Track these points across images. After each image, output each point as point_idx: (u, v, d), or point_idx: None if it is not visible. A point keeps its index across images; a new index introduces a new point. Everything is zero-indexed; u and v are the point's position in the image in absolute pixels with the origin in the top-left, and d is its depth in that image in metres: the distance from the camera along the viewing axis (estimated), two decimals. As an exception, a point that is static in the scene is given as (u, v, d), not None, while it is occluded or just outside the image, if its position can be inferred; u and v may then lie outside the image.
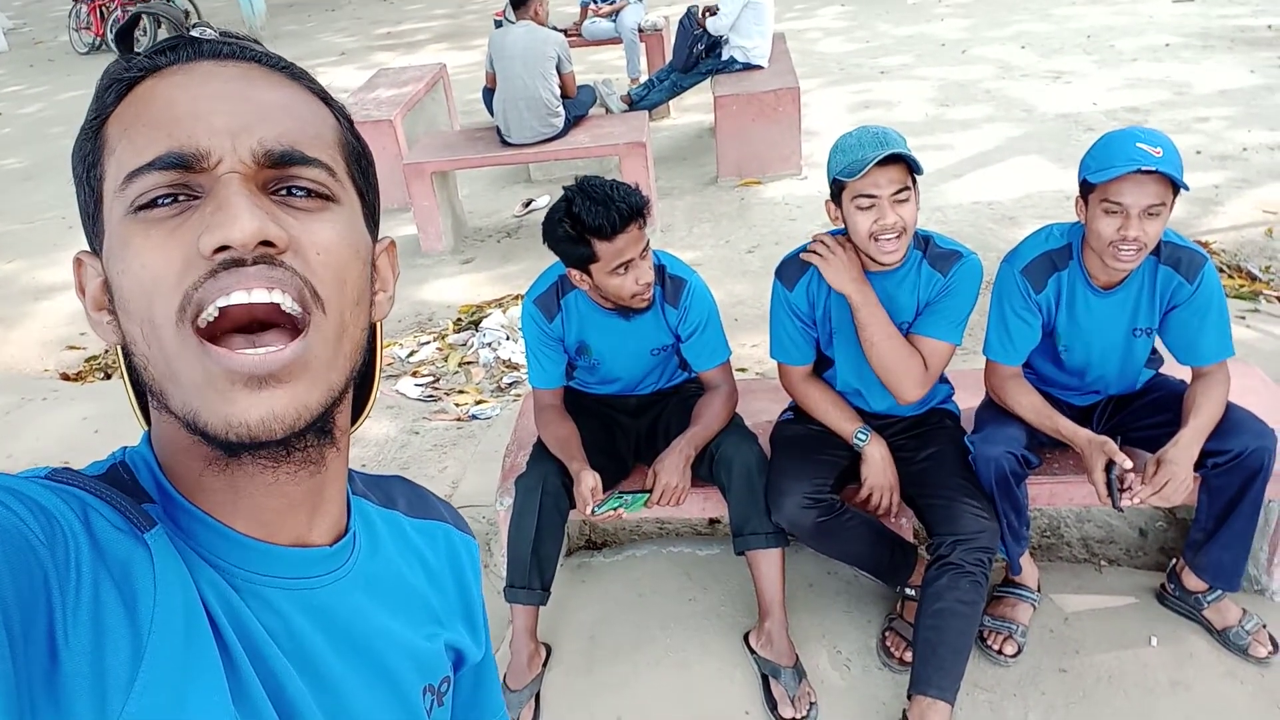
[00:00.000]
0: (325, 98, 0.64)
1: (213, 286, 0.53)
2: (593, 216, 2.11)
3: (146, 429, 0.65)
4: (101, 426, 3.59)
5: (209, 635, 0.55)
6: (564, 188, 2.22)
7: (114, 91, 0.58)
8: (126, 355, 0.59)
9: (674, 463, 2.29)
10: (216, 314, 0.53)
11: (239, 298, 0.53)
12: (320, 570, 0.66)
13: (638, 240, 2.17)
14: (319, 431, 0.60)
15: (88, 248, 0.62)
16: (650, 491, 2.28)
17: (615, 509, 2.23)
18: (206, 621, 0.56)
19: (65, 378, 4.24)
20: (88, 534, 0.52)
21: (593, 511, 2.22)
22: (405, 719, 0.70)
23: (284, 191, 0.58)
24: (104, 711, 0.49)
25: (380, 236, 0.69)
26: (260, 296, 0.54)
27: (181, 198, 0.55)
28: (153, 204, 0.55)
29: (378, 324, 0.68)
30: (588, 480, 2.23)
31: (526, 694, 2.33)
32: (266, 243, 0.54)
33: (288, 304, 0.55)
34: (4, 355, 4.50)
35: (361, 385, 0.67)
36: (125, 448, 0.64)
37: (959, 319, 2.20)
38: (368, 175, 0.67)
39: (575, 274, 2.24)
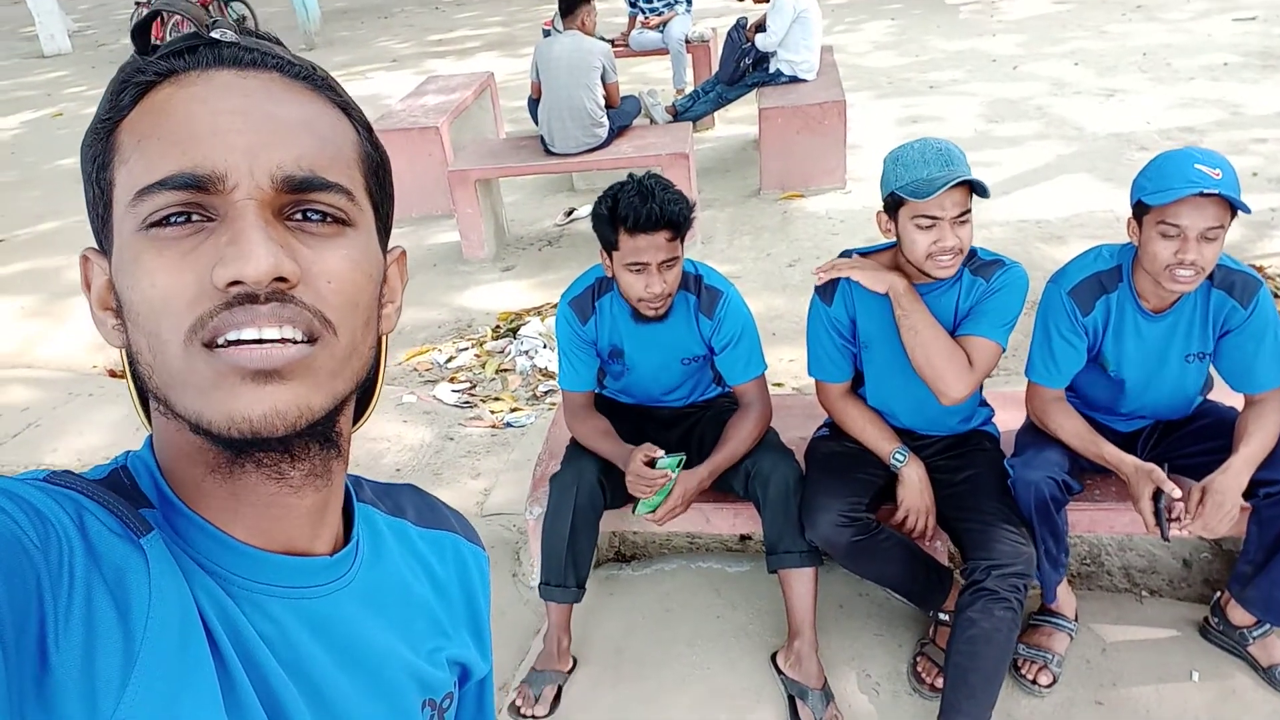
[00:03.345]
0: (346, 106, 0.63)
1: (225, 320, 0.53)
2: (626, 206, 2.15)
3: (149, 432, 0.64)
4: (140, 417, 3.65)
5: (203, 642, 0.55)
6: (630, 173, 2.26)
7: (129, 94, 0.57)
8: (131, 359, 0.59)
9: (687, 486, 2.30)
10: (225, 343, 0.53)
11: (250, 334, 0.53)
12: (320, 580, 0.65)
13: (660, 249, 2.17)
14: (323, 440, 0.60)
15: (95, 244, 0.62)
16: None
17: (665, 472, 2.25)
18: (201, 628, 0.55)
19: (112, 374, 4.32)
20: (82, 538, 0.52)
21: (656, 462, 2.24)
22: None
23: (299, 216, 0.57)
24: (94, 717, 0.48)
25: (390, 246, 0.68)
26: (270, 334, 0.54)
27: (195, 217, 0.54)
28: (165, 221, 0.54)
29: (384, 336, 0.67)
30: (640, 452, 2.25)
31: (552, 677, 2.33)
32: (280, 278, 0.53)
33: (298, 338, 0.55)
34: (54, 351, 4.60)
35: (363, 391, 0.67)
36: (128, 452, 0.64)
37: (1004, 320, 2.15)
38: (384, 185, 0.65)
39: (604, 256, 2.28)
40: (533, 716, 2.27)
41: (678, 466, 2.27)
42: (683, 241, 2.23)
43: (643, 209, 2.13)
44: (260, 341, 0.53)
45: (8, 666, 0.45)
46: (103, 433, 3.67)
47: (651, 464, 2.25)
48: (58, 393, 4.03)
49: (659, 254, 2.17)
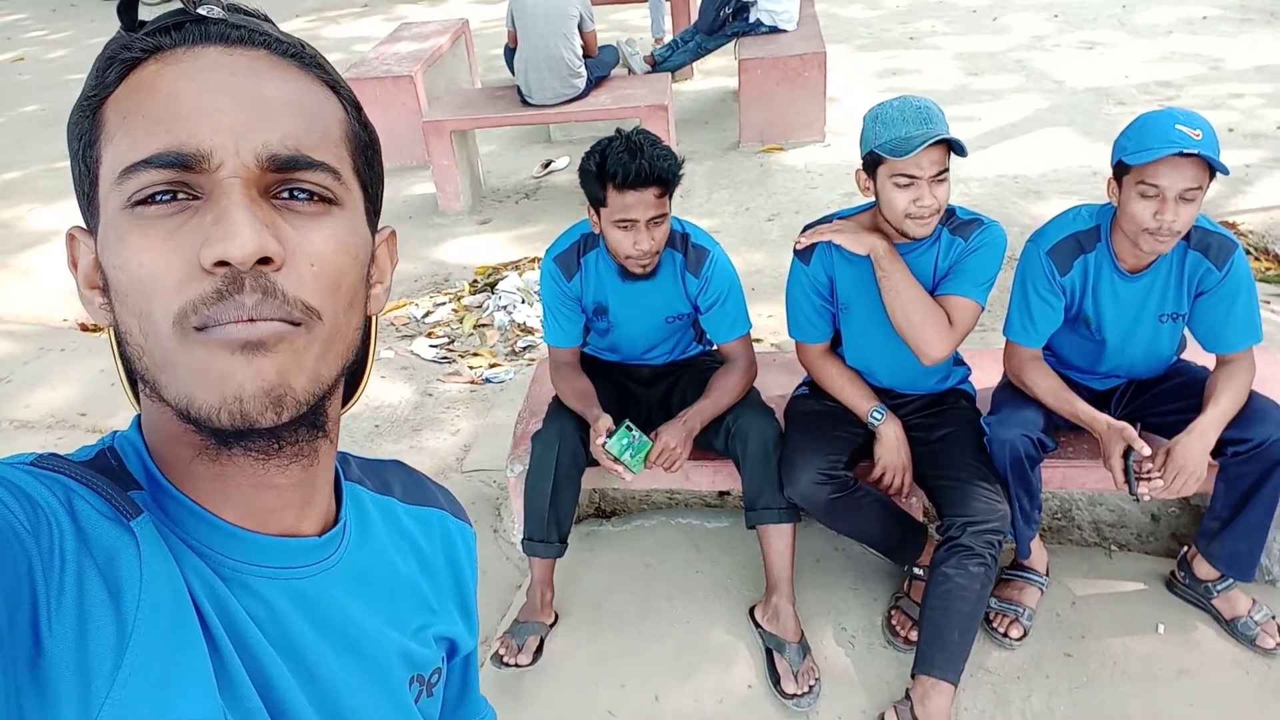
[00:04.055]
0: (334, 85, 0.62)
1: (209, 313, 0.53)
2: (615, 162, 2.13)
3: (138, 412, 0.64)
4: (118, 380, 3.61)
5: (195, 623, 0.55)
6: (618, 129, 2.23)
7: (115, 71, 0.56)
8: (119, 339, 0.58)
9: (676, 430, 2.30)
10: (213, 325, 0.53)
11: (233, 323, 0.53)
12: (308, 560, 0.65)
13: (649, 205, 2.16)
14: (310, 425, 0.60)
15: (82, 221, 0.61)
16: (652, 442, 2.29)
17: (623, 455, 2.23)
18: (193, 610, 0.56)
19: (84, 328, 4.25)
20: (72, 521, 0.52)
21: (603, 446, 2.22)
22: (392, 708, 0.70)
23: (285, 194, 0.56)
24: (88, 699, 0.49)
25: (380, 226, 0.67)
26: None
27: (180, 195, 0.54)
28: (150, 199, 0.54)
29: (373, 316, 0.67)
30: (605, 419, 2.25)
31: (535, 628, 2.36)
32: (265, 259, 0.53)
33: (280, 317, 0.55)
34: (25, 304, 4.53)
35: (353, 372, 0.67)
36: (115, 433, 0.64)
37: (982, 280, 2.16)
38: (373, 165, 0.65)
39: (591, 212, 2.26)
40: (516, 665, 2.30)
41: (628, 431, 2.27)
42: (670, 198, 2.22)
43: (632, 165, 2.11)
44: (251, 321, 0.53)
45: (2, 651, 0.45)
46: (76, 388, 3.63)
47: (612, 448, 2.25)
48: (28, 347, 3.98)
49: (648, 211, 2.16)
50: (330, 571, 0.67)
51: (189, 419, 0.55)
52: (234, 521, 0.61)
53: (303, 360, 0.56)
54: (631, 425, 2.29)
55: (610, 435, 2.24)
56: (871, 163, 2.10)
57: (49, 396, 3.59)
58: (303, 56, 0.60)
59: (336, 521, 0.69)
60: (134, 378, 0.63)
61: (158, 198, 0.54)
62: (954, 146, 2.03)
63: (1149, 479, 2.06)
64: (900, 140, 2.00)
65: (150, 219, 0.54)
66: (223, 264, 0.52)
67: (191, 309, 0.53)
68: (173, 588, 0.55)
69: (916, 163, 2.00)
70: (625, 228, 2.19)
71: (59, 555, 0.50)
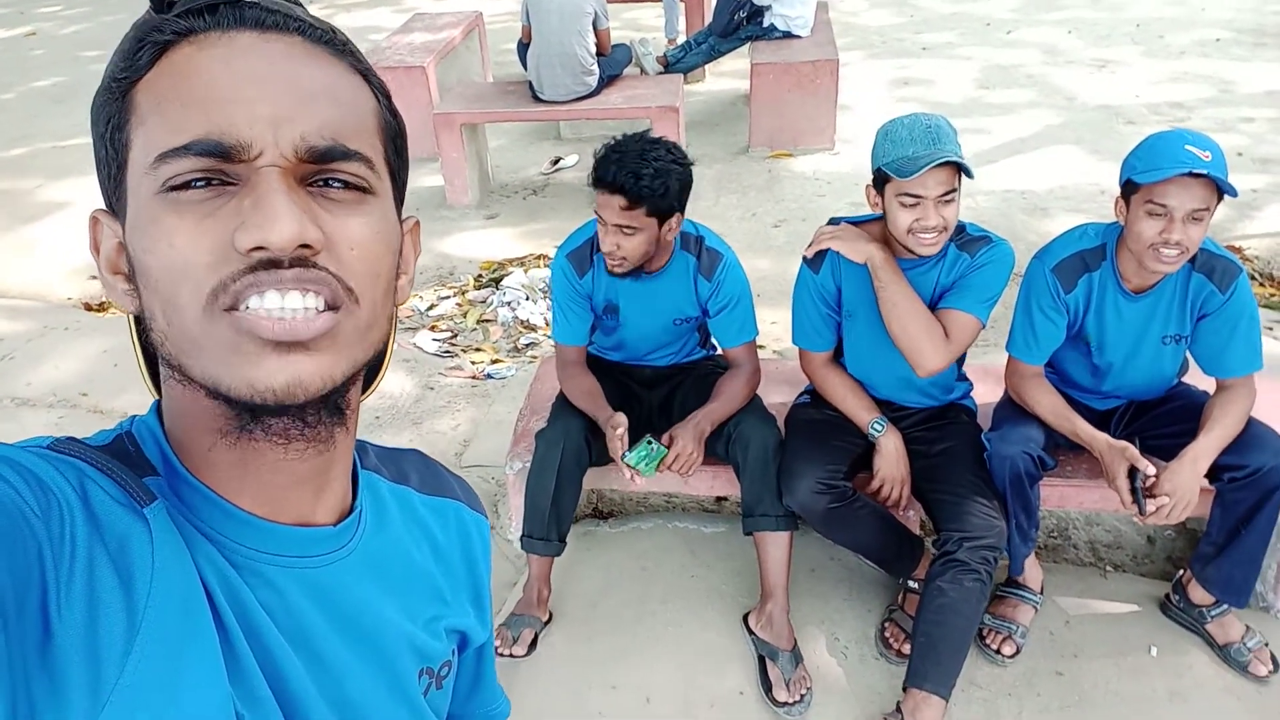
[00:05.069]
0: (366, 73, 0.62)
1: (247, 284, 0.52)
2: (602, 160, 2.16)
3: (156, 399, 0.64)
4: (121, 360, 3.61)
5: (206, 611, 0.55)
6: (645, 131, 2.26)
7: (147, 53, 0.55)
8: (139, 324, 0.58)
9: (689, 433, 2.30)
10: (247, 309, 0.53)
11: (273, 300, 0.53)
12: (322, 549, 0.65)
13: (614, 211, 2.17)
14: (332, 409, 0.60)
15: (104, 203, 0.61)
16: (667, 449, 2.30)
17: (639, 464, 2.24)
18: (204, 598, 0.56)
19: (88, 308, 4.26)
20: (84, 507, 0.52)
21: (623, 458, 2.23)
22: (400, 700, 0.70)
23: (321, 183, 0.56)
24: (98, 685, 0.49)
25: (404, 216, 0.68)
26: (294, 301, 0.53)
27: (215, 181, 0.54)
28: (186, 185, 0.53)
29: (396, 307, 0.68)
30: (620, 418, 2.25)
31: (530, 621, 2.37)
32: (304, 244, 0.53)
33: (321, 306, 0.55)
34: (28, 281, 4.53)
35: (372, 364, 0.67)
36: (134, 417, 0.64)
37: (985, 297, 2.16)
38: (401, 154, 0.65)
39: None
40: (510, 655, 2.31)
41: (647, 445, 2.28)
42: (658, 219, 2.19)
43: (607, 167, 2.14)
44: (283, 309, 0.53)
45: (8, 635, 0.45)
46: (79, 368, 3.63)
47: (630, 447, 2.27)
48: (32, 324, 3.97)
49: (613, 215, 2.17)
50: (344, 561, 0.67)
51: (217, 395, 0.55)
52: (249, 510, 0.61)
53: (342, 351, 0.56)
54: (652, 439, 2.30)
55: (630, 449, 2.25)
56: (880, 180, 2.10)
57: (51, 375, 3.59)
58: (335, 43, 0.59)
59: (352, 510, 0.69)
60: (153, 365, 0.63)
61: (193, 184, 0.53)
62: (962, 168, 2.03)
63: (1157, 496, 2.06)
64: (906, 160, 2.01)
65: (185, 204, 0.53)
66: (259, 249, 0.52)
67: (222, 288, 0.52)
68: (185, 575, 0.55)
69: (922, 183, 2.01)
70: (601, 223, 2.21)
71: (69, 540, 0.50)
